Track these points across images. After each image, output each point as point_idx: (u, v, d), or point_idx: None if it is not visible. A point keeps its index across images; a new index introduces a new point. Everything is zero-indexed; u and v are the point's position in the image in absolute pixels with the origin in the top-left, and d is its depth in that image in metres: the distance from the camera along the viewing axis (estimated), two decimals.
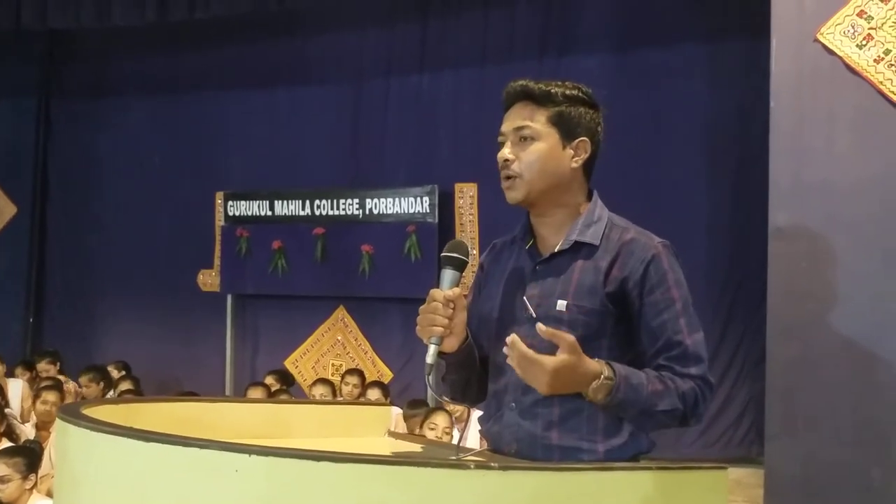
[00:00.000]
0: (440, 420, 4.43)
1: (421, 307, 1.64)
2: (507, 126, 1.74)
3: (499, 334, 1.74)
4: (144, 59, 7.54)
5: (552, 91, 1.72)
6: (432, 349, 1.62)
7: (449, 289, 1.64)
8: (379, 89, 6.79)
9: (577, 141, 1.72)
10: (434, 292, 1.64)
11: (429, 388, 1.69)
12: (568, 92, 1.73)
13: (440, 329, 1.62)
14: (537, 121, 1.71)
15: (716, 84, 5.69)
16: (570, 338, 1.52)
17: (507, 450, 1.70)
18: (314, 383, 5.85)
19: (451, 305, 1.63)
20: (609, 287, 1.65)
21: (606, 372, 1.56)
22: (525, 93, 1.73)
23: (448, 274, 1.65)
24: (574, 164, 1.73)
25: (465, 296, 1.70)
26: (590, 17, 6.05)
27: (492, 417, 1.76)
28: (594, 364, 1.56)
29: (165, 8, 6.51)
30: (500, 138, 1.75)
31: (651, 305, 1.64)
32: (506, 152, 1.72)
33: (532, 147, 1.70)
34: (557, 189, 1.72)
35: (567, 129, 1.71)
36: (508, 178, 1.72)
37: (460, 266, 1.66)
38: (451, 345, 1.66)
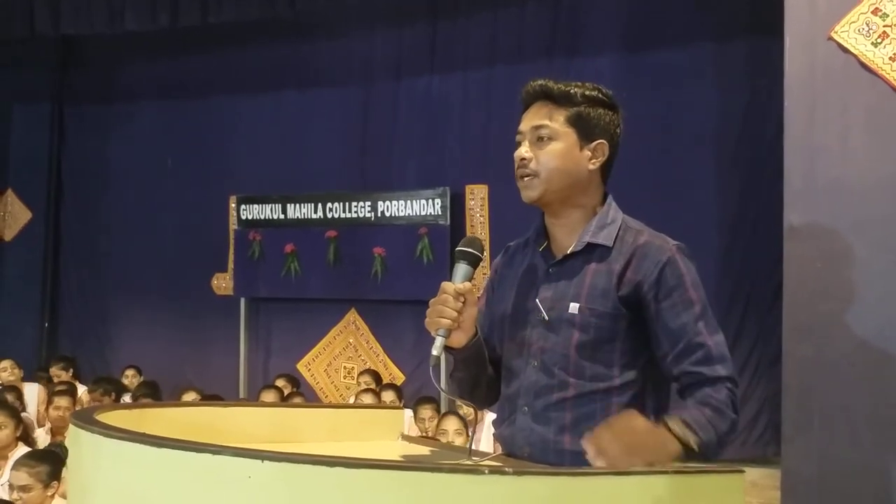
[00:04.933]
0: (450, 425, 4.39)
1: (431, 300, 1.64)
2: (525, 125, 1.73)
3: (511, 336, 1.74)
4: (156, 64, 7.58)
5: (571, 91, 1.71)
6: (439, 341, 1.61)
7: (461, 283, 1.63)
8: (389, 92, 6.80)
9: (595, 143, 1.71)
10: (445, 285, 1.63)
11: (434, 384, 1.69)
12: (587, 93, 1.72)
13: (448, 321, 1.61)
14: (556, 120, 1.70)
15: (726, 83, 5.66)
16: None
17: (520, 454, 1.69)
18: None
19: (462, 299, 1.62)
20: (622, 290, 1.64)
21: (691, 440, 1.52)
22: (544, 92, 1.72)
23: (461, 268, 1.65)
24: (591, 166, 1.72)
25: (478, 297, 1.69)
26: (599, 17, 6.03)
27: (504, 421, 1.75)
28: (662, 433, 1.51)
29: (177, 13, 6.54)
30: (518, 137, 1.74)
31: (669, 308, 1.62)
32: (522, 151, 1.71)
33: (549, 147, 1.69)
34: (573, 190, 1.71)
35: (585, 131, 1.70)
36: (525, 176, 1.71)
37: (474, 261, 1.66)
38: (459, 340, 1.66)
